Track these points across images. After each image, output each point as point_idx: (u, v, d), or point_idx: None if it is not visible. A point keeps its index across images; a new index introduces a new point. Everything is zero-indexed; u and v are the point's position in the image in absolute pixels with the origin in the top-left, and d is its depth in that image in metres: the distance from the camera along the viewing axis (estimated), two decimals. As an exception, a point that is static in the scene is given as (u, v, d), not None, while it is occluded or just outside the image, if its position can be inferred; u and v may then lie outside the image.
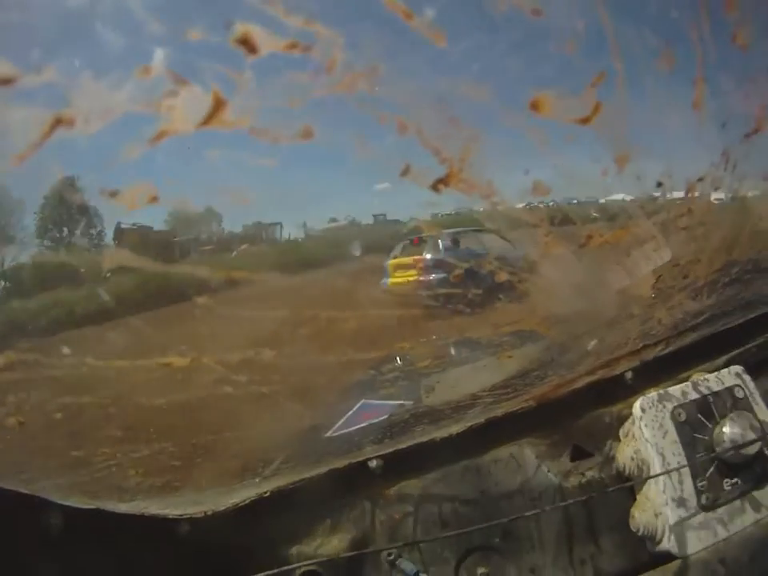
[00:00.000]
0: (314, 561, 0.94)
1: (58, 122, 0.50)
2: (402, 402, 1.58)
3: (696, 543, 0.94)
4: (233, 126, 0.58)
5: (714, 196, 1.08)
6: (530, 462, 1.06)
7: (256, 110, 0.58)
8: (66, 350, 1.12)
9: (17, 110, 0.49)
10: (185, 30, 0.53)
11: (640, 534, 0.99)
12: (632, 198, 1.17)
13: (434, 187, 0.77)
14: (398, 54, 0.63)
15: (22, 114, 0.49)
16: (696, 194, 1.03)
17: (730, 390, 1.05)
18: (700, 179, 1.03)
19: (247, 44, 0.54)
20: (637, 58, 0.87)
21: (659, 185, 1.07)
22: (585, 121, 0.76)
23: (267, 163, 0.73)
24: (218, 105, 0.55)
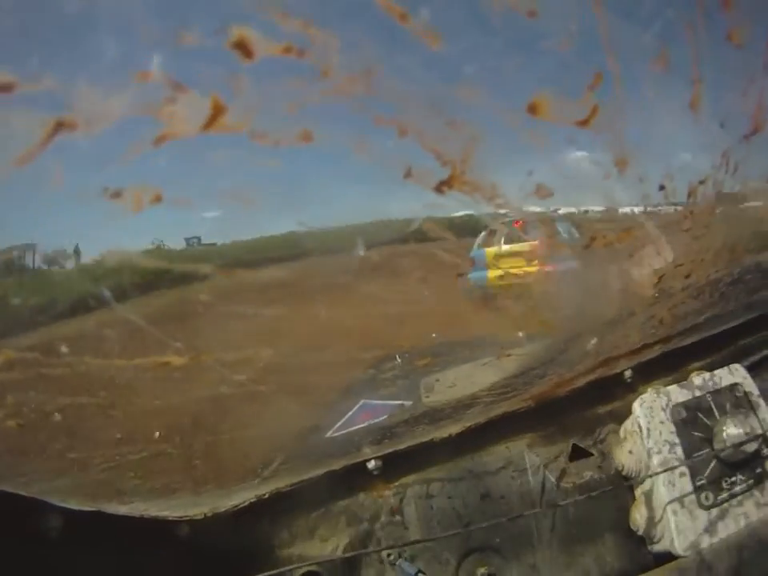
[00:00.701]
0: (314, 561, 0.95)
1: (58, 127, 0.50)
2: (401, 401, 1.58)
3: (696, 542, 0.94)
4: (233, 130, 0.58)
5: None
6: (529, 462, 1.06)
7: (255, 115, 0.57)
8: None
9: (17, 115, 0.49)
10: (181, 34, 0.52)
11: (640, 533, 1.00)
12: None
13: (438, 189, 0.77)
14: (394, 56, 0.62)
15: (23, 120, 0.49)
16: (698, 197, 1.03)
17: (729, 388, 1.05)
18: (701, 182, 1.02)
19: (243, 48, 0.54)
20: (633, 59, 0.87)
21: (662, 188, 1.07)
22: (583, 123, 0.76)
23: (270, 165, 0.73)
24: (217, 110, 0.55)
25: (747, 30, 0.80)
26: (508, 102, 0.75)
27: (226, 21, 0.53)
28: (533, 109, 0.70)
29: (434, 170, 0.73)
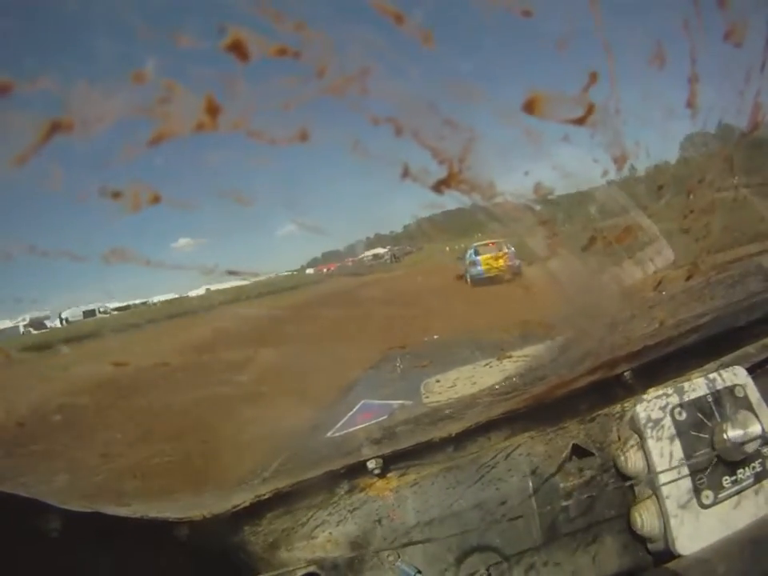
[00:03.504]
0: (314, 561, 0.95)
1: (55, 128, 0.50)
2: (402, 401, 1.58)
3: (696, 541, 0.94)
4: (228, 129, 0.58)
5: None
6: (529, 462, 1.06)
7: (251, 114, 0.58)
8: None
9: (13, 116, 0.49)
10: (176, 35, 0.52)
11: (640, 532, 1.00)
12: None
13: (436, 188, 0.77)
14: (388, 55, 0.62)
15: (19, 121, 0.49)
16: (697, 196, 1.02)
17: (730, 389, 1.05)
18: (700, 180, 1.02)
19: (238, 50, 0.54)
20: (629, 57, 0.87)
21: (660, 188, 1.07)
22: (580, 121, 0.76)
23: (267, 163, 0.73)
24: (212, 110, 0.55)
25: (745, 28, 0.80)
26: (504, 101, 0.74)
27: (221, 22, 0.53)
28: (529, 106, 0.70)
29: (431, 169, 0.73)
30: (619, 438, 1.08)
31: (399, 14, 0.59)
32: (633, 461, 1.02)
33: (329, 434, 1.48)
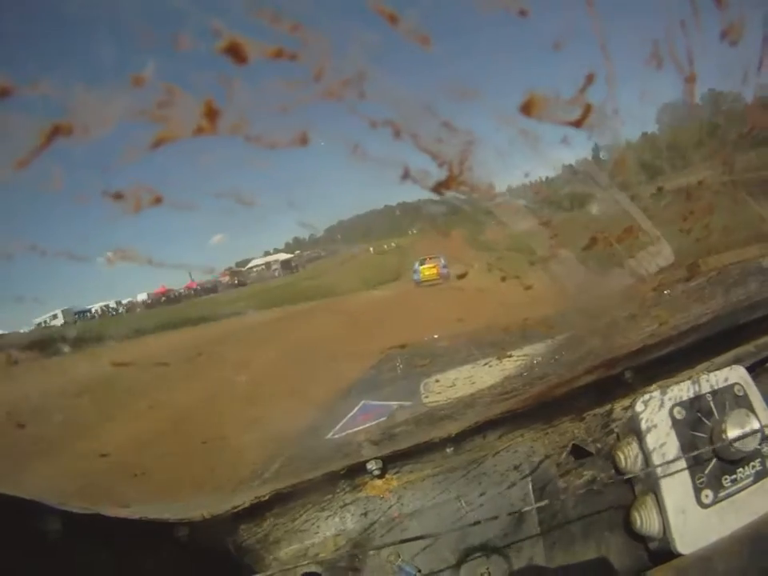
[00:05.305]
0: (314, 561, 0.95)
1: (56, 131, 0.50)
2: (401, 402, 1.58)
3: (696, 540, 0.94)
4: (228, 133, 0.58)
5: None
6: (529, 462, 1.06)
7: (249, 118, 0.58)
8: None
9: (14, 119, 0.50)
10: (175, 39, 0.53)
11: (640, 532, 1.00)
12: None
13: (436, 190, 0.77)
14: (385, 58, 0.62)
15: (20, 124, 0.50)
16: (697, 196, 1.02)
17: (729, 388, 1.05)
18: (700, 182, 1.02)
19: (235, 52, 0.54)
20: (626, 58, 0.87)
21: (659, 189, 1.07)
22: (577, 123, 0.75)
23: (267, 166, 0.73)
24: (212, 113, 0.55)
25: (742, 27, 0.80)
26: (502, 102, 0.75)
27: (218, 24, 0.53)
28: (527, 108, 0.70)
29: (431, 171, 0.73)
30: (618, 437, 1.08)
31: (395, 16, 0.59)
32: (632, 460, 1.02)
33: (329, 436, 1.48)
